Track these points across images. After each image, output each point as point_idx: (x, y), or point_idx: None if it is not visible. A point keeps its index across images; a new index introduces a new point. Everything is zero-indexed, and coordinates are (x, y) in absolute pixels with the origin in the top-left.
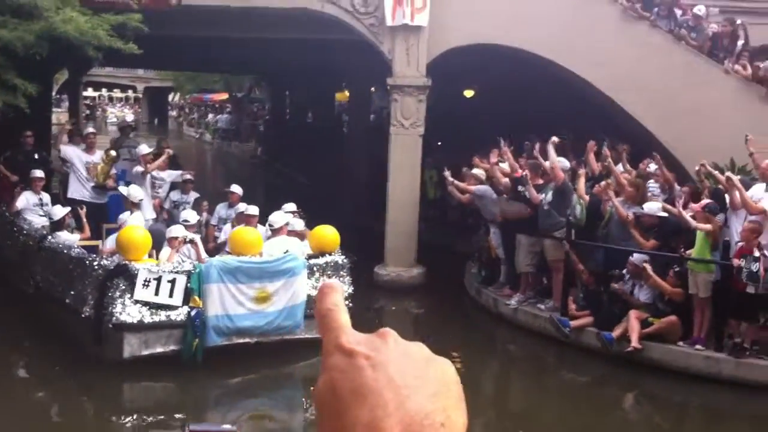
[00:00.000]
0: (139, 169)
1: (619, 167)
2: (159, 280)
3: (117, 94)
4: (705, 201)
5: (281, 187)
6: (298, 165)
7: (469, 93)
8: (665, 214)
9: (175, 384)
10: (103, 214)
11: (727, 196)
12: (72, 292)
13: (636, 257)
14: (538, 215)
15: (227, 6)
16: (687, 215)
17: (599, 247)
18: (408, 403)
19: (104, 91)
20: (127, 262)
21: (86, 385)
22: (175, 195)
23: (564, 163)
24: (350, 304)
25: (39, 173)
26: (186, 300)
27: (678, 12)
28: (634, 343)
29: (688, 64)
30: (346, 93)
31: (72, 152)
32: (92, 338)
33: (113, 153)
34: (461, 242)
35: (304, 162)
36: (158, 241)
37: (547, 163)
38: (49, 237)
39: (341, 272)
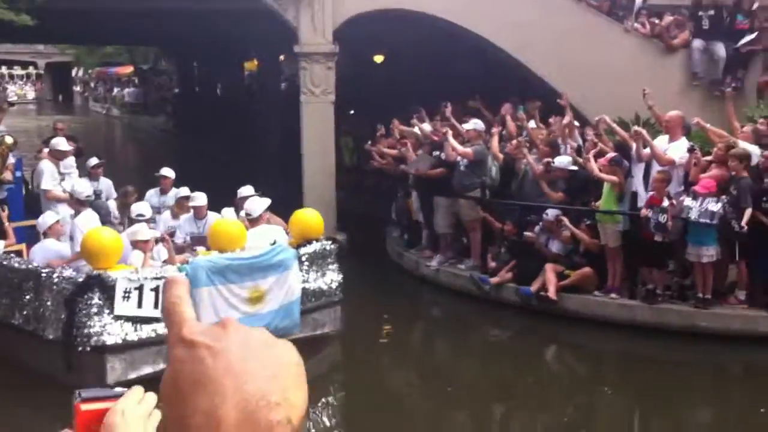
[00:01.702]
0: (48, 167)
1: (531, 124)
2: (140, 289)
3: (17, 71)
4: (610, 154)
5: (194, 162)
6: (210, 137)
7: (379, 58)
8: (575, 168)
9: None
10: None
11: (632, 149)
12: (24, 313)
13: (550, 213)
14: (454, 176)
15: None
16: (594, 166)
17: (514, 205)
18: (245, 387)
19: (3, 69)
20: (99, 271)
21: (64, 420)
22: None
23: (479, 124)
24: (340, 295)
25: None
26: None
27: None
28: (552, 294)
29: (589, 24)
30: (255, 62)
31: None
32: (63, 365)
33: (10, 139)
34: (380, 208)
35: (215, 134)
36: None
37: (464, 126)
38: None
39: (329, 259)
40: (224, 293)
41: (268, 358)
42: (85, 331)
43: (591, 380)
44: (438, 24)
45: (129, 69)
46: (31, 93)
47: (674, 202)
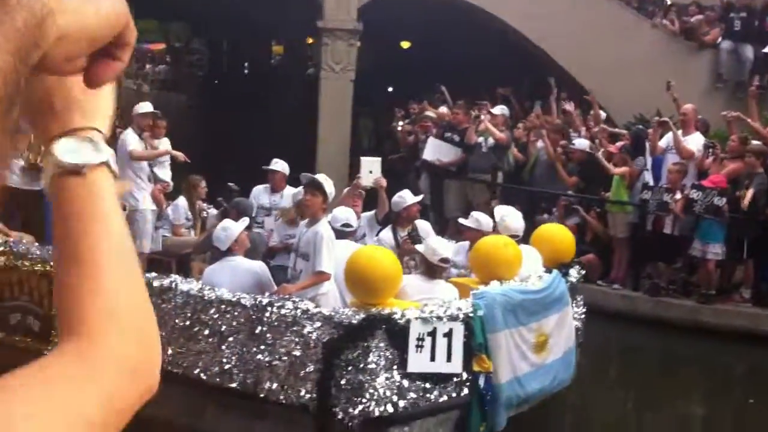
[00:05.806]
0: (132, 137)
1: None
2: (433, 335)
3: None
4: (621, 143)
5: (218, 141)
6: (234, 116)
7: (405, 44)
8: (592, 151)
9: None
10: (36, 207)
11: (647, 142)
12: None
13: (564, 199)
14: (471, 157)
15: None
16: (604, 161)
17: (527, 190)
18: None
19: None
20: (381, 309)
21: None
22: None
23: (505, 110)
24: (582, 335)
25: None
26: (467, 361)
27: None
28: None
29: (617, 17)
30: (282, 46)
31: None
32: None
33: None
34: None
35: (239, 113)
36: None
37: (493, 111)
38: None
39: (578, 289)
40: (516, 339)
41: None
42: (365, 395)
43: (588, 370)
44: (464, 8)
45: (161, 46)
46: None
47: (690, 194)
